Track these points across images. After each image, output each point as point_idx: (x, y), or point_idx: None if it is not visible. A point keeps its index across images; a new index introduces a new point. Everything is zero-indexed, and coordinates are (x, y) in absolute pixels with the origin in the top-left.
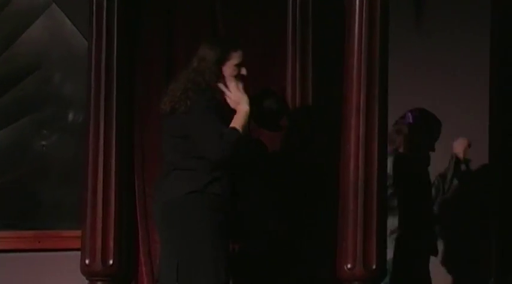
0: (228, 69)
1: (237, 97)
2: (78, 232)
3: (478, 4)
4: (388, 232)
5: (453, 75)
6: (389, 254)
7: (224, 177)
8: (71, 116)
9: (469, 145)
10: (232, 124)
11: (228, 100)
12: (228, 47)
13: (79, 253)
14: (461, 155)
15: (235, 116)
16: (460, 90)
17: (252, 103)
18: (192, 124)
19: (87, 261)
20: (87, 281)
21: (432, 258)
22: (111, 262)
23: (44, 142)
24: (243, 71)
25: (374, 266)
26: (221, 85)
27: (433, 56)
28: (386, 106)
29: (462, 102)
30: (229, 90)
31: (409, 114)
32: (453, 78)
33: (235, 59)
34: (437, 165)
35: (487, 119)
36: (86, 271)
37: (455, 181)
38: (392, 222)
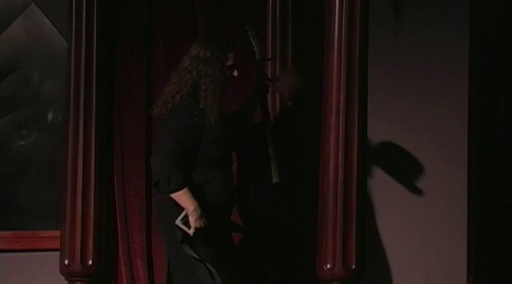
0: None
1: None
2: (57, 233)
3: (457, 7)
4: None
5: (432, 77)
6: None
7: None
8: (50, 116)
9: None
10: (184, 192)
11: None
12: (224, 47)
13: (58, 253)
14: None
15: (191, 202)
16: (439, 92)
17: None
18: (164, 127)
19: (66, 261)
20: (66, 282)
21: (409, 257)
22: (90, 262)
23: (23, 142)
24: (235, 73)
25: (353, 267)
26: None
27: (412, 58)
28: (366, 106)
29: (441, 103)
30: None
31: None
32: (432, 80)
33: (230, 60)
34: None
35: (466, 120)
36: (65, 271)
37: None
38: None
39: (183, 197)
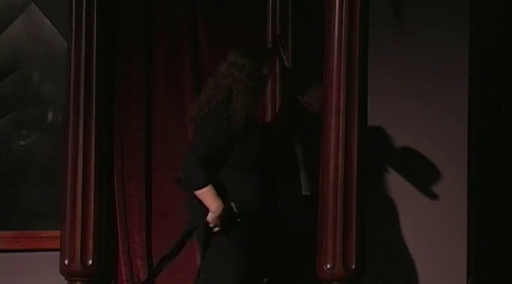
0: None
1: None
2: (58, 233)
3: (457, 7)
4: None
5: (432, 77)
6: None
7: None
8: (50, 116)
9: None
10: (207, 190)
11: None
12: (261, 56)
13: (58, 253)
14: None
15: (215, 200)
16: (439, 92)
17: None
18: (196, 130)
19: (66, 261)
20: (66, 282)
21: (409, 257)
22: (90, 262)
23: (23, 142)
24: (268, 83)
25: (353, 267)
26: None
27: (412, 58)
28: (366, 106)
29: (441, 103)
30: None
31: None
32: (432, 80)
33: (265, 69)
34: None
35: (466, 120)
36: (65, 271)
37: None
38: None
39: (205, 195)
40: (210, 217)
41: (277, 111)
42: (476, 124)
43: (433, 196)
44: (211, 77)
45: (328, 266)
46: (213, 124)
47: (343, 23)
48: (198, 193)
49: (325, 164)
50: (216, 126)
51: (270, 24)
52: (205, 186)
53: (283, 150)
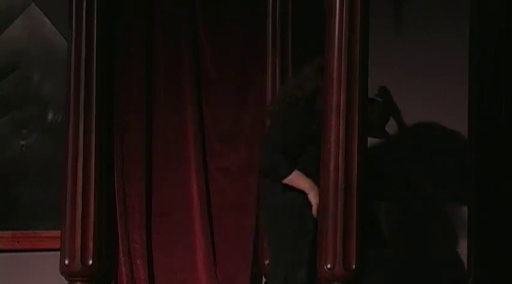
0: None
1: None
2: (58, 233)
3: (457, 7)
4: None
5: (432, 77)
6: None
7: None
8: (50, 116)
9: None
10: (295, 174)
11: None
12: None
13: (58, 253)
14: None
15: (306, 181)
16: (439, 92)
17: None
18: (272, 123)
19: (66, 261)
20: (66, 282)
21: (409, 258)
22: (90, 262)
23: (23, 142)
24: None
25: (354, 266)
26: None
27: (413, 58)
28: (367, 106)
29: (441, 103)
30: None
31: None
32: (432, 80)
33: None
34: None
35: (466, 120)
36: (66, 271)
37: None
38: None
39: (296, 179)
40: (312, 197)
41: None
42: (476, 124)
43: (434, 196)
44: (292, 77)
45: (329, 266)
46: (291, 118)
47: (344, 23)
48: (287, 180)
49: (326, 164)
50: (295, 122)
51: (270, 24)
52: (292, 171)
53: None
